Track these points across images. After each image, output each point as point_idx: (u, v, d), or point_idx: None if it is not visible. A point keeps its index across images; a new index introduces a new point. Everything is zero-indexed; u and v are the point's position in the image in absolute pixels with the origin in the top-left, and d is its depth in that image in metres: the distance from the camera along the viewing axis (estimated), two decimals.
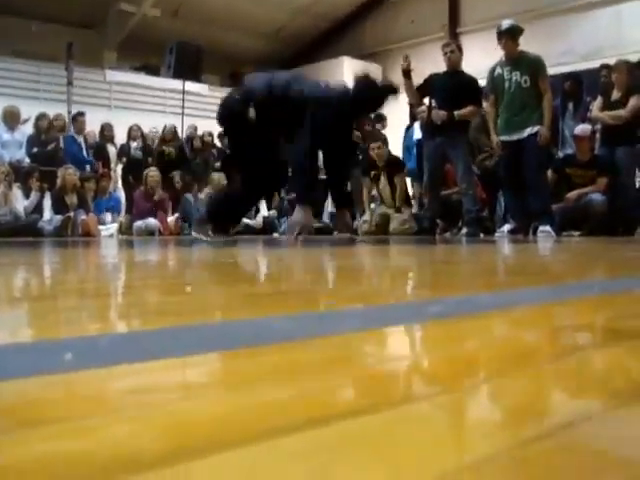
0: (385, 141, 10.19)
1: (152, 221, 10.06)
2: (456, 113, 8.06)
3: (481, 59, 16.09)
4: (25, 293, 1.93)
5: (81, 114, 11.46)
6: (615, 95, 8.30)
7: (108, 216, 10.29)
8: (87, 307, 1.48)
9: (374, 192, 10.08)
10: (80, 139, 11.16)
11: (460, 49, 8.79)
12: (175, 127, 12.03)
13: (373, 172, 9.85)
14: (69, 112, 11.80)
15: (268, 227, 10.77)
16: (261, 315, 1.28)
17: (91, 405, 0.63)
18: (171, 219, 10.22)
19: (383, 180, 9.75)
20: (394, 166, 9.77)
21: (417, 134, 10.79)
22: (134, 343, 0.96)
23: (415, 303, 1.54)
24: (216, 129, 12.74)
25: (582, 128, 8.40)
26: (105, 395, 0.68)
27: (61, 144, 10.74)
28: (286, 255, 4.50)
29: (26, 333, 1.14)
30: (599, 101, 8.48)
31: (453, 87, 8.19)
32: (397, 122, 12.37)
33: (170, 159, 11.34)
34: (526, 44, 13.18)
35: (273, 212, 11.18)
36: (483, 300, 1.53)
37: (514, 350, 0.93)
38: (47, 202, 9.66)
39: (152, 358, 0.82)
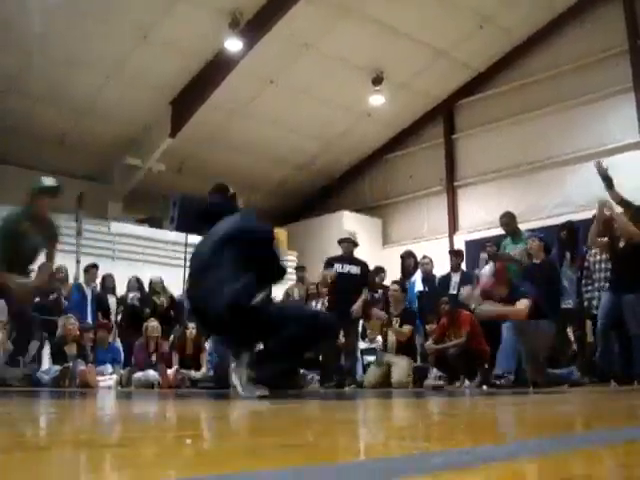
0: (403, 287, 10.39)
1: (151, 373, 9.96)
2: None
3: (477, 211, 16.52)
4: (24, 445, 1.90)
5: (94, 266, 11.60)
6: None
7: (108, 367, 10.19)
8: (82, 458, 1.46)
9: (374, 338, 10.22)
10: (88, 290, 11.23)
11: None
12: (161, 278, 12.07)
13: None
14: (77, 262, 11.94)
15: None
16: (261, 468, 1.26)
17: None
18: (171, 371, 10.12)
19: (395, 326, 9.82)
20: (408, 317, 9.92)
21: (418, 286, 10.95)
22: None
23: (418, 455, 1.51)
24: None
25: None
26: None
27: (63, 294, 10.80)
28: (278, 407, 4.43)
29: None
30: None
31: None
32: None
33: (164, 309, 11.40)
34: (522, 197, 13.56)
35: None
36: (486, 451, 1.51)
37: None
38: (46, 351, 9.59)
39: None
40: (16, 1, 11.88)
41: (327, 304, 10.28)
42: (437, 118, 17.81)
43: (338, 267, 9.90)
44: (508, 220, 9.81)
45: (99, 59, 13.79)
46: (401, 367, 9.58)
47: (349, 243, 10.18)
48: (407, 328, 9.77)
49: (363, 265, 10.12)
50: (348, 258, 10.05)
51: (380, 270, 12.40)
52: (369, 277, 10.68)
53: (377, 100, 16.17)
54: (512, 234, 9.74)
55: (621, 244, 8.03)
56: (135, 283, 11.88)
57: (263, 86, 15.40)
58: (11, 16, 12.10)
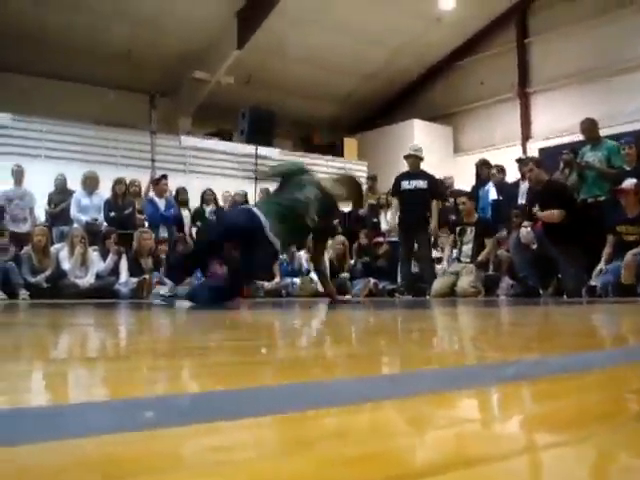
0: (470, 196, 10.37)
1: None
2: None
3: (552, 118, 16.08)
4: (104, 354, 1.98)
5: (163, 176, 11.71)
6: None
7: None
8: (164, 367, 1.51)
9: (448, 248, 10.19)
10: (161, 203, 11.35)
11: (539, 164, 9.18)
12: (246, 192, 12.27)
13: (459, 227, 9.99)
14: (152, 176, 12.16)
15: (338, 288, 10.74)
16: (332, 377, 1.29)
17: (170, 462, 0.65)
18: None
19: (469, 236, 9.80)
20: (486, 227, 9.86)
21: (492, 195, 10.82)
22: (211, 402, 0.97)
23: (489, 365, 1.53)
24: None
25: (627, 182, 8.17)
26: (184, 453, 0.70)
27: (137, 208, 11.01)
28: (356, 317, 4.49)
29: (106, 392, 1.17)
30: None
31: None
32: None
33: None
34: (598, 103, 13.06)
35: (346, 274, 11.16)
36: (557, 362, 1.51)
37: (589, 413, 0.91)
38: (123, 264, 9.85)
39: (230, 417, 0.83)
40: None
41: (398, 215, 10.31)
42: (509, 22, 17.20)
43: (405, 184, 9.99)
44: (589, 126, 9.51)
45: None
46: (468, 276, 9.58)
47: (414, 158, 10.18)
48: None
49: (430, 178, 10.14)
50: (415, 173, 10.10)
51: (448, 180, 12.29)
52: (438, 188, 10.68)
53: (447, 4, 15.67)
54: (592, 141, 9.45)
55: None
56: (211, 195, 12.01)
57: None
58: None
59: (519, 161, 11.05)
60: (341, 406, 0.92)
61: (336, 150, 17.56)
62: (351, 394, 1.04)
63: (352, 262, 11.61)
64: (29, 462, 0.64)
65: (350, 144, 17.85)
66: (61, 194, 10.98)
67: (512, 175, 11.37)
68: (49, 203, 11.03)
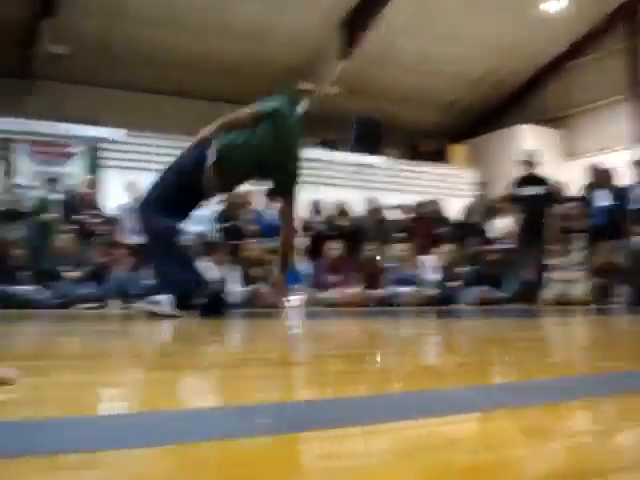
0: (582, 201, 10.16)
1: (335, 292, 10.22)
2: None
3: None
4: (217, 362, 2.02)
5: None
6: None
7: (294, 288, 10.51)
8: (277, 375, 1.53)
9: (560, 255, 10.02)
10: (269, 214, 11.51)
11: None
12: (347, 201, 12.26)
13: (571, 234, 9.83)
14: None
15: (447, 297, 10.61)
16: (447, 386, 1.28)
17: (284, 468, 0.66)
18: (352, 291, 10.33)
19: (581, 243, 9.60)
20: (599, 234, 9.60)
21: (605, 200, 10.48)
22: (323, 410, 0.98)
23: (604, 375, 1.49)
24: (394, 201, 12.92)
25: None
26: (296, 459, 0.71)
27: (246, 218, 11.19)
28: (467, 326, 4.44)
29: (221, 398, 1.19)
30: None
31: None
32: None
33: (348, 232, 11.56)
34: None
35: (457, 282, 11.01)
36: None
37: None
38: (234, 274, 10.03)
39: (340, 425, 0.84)
40: None
41: (515, 222, 10.17)
42: (618, 23, 16.66)
43: (520, 190, 9.84)
44: None
45: None
46: (580, 284, 9.33)
47: (528, 164, 10.02)
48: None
49: (547, 184, 9.95)
50: (530, 179, 9.91)
51: (560, 185, 11.97)
52: (555, 194, 10.48)
53: (555, 5, 15.31)
54: None
55: None
56: (317, 206, 12.11)
57: (432, 1, 14.99)
58: None
59: (638, 163, 10.65)
60: (453, 415, 0.92)
61: (443, 157, 17.42)
62: (463, 403, 1.03)
63: (463, 270, 11.45)
64: (150, 464, 0.66)
65: (458, 151, 17.66)
66: None
67: (625, 179, 10.99)
68: None
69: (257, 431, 0.80)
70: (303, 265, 11.34)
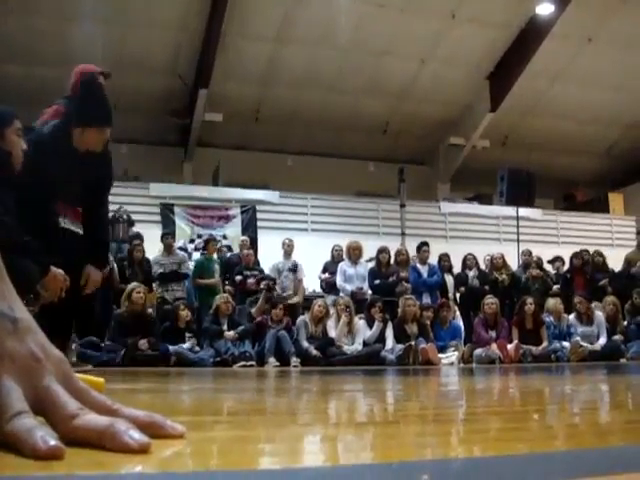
0: None
1: (492, 348, 9.99)
2: None
3: None
4: (378, 419, 2.01)
5: (424, 244, 11.85)
6: None
7: (450, 344, 10.39)
8: (434, 432, 1.51)
9: None
10: (424, 270, 11.49)
11: None
12: (502, 255, 11.98)
13: None
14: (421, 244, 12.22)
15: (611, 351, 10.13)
16: (609, 444, 1.21)
17: None
18: (511, 346, 10.07)
19: None
20: None
21: None
22: (485, 468, 0.95)
23: None
24: (550, 254, 12.56)
25: None
26: None
27: (401, 275, 11.17)
28: (633, 382, 4.22)
29: (383, 455, 1.18)
30: None
31: None
32: None
33: (504, 286, 11.33)
34: None
35: (619, 336, 10.52)
36: None
37: None
38: (389, 331, 10.02)
39: None
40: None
41: None
42: None
43: None
44: None
45: (412, 44, 14.11)
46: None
47: None
48: None
49: None
50: None
51: None
52: None
53: None
54: None
55: None
56: (473, 260, 11.97)
57: (581, 46, 14.71)
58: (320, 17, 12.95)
59: None
60: (617, 474, 0.87)
61: (601, 206, 16.85)
62: (629, 462, 0.97)
63: (625, 323, 10.93)
64: None
65: (615, 199, 17.06)
66: (335, 264, 11.38)
67: None
68: (324, 271, 11.49)
69: None
70: (459, 321, 11.21)
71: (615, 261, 12.31)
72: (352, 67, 14.24)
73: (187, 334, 9.45)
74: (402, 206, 13.29)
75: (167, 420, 1.08)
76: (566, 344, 10.21)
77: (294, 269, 11.03)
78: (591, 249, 12.42)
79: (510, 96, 14.93)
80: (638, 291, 11.31)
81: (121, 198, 11.26)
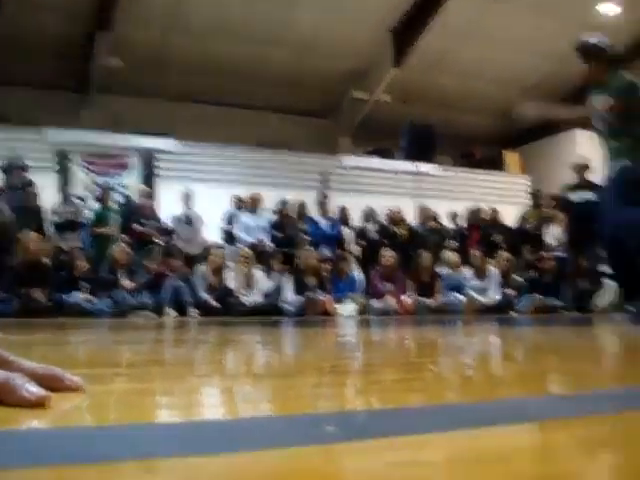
0: None
1: (388, 300, 10.19)
2: None
3: None
4: (277, 370, 2.03)
5: (324, 196, 11.93)
6: None
7: (346, 296, 10.53)
8: (335, 383, 1.53)
9: None
10: (324, 223, 11.58)
11: None
12: (400, 209, 12.19)
13: None
14: (322, 197, 12.27)
15: (503, 305, 10.50)
16: (500, 395, 1.27)
17: (352, 476, 0.66)
18: (404, 297, 10.29)
19: None
20: None
21: None
22: (388, 419, 0.98)
23: None
24: (447, 209, 12.85)
25: None
26: (365, 467, 0.71)
27: (300, 228, 11.23)
28: (523, 335, 4.38)
29: (284, 406, 1.20)
30: None
31: None
32: None
33: (402, 240, 11.53)
34: None
35: (511, 290, 10.90)
36: None
37: None
38: (288, 283, 10.08)
39: (405, 434, 0.84)
40: None
41: (566, 231, 10.05)
42: None
43: (573, 196, 9.73)
44: None
45: None
46: None
47: (582, 169, 9.88)
48: None
49: (600, 189, 9.80)
50: (583, 185, 9.78)
51: None
52: None
53: (610, 9, 15.08)
54: None
55: None
56: (371, 214, 12.09)
57: (489, 4, 14.87)
58: None
59: None
60: (510, 425, 0.91)
61: (498, 164, 17.24)
62: (520, 413, 1.02)
63: (517, 278, 11.33)
64: (212, 473, 0.67)
65: (512, 158, 17.46)
66: (235, 215, 11.32)
67: None
68: (225, 222, 11.44)
69: (323, 439, 0.80)
70: (357, 273, 11.35)
71: (510, 218, 12.70)
72: (258, 17, 14.00)
73: (83, 284, 9.25)
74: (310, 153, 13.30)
75: (65, 373, 1.07)
76: (460, 297, 10.52)
77: (189, 221, 10.95)
78: (486, 206, 12.77)
79: (415, 52, 14.98)
80: (528, 248, 11.73)
81: (14, 143, 10.84)
